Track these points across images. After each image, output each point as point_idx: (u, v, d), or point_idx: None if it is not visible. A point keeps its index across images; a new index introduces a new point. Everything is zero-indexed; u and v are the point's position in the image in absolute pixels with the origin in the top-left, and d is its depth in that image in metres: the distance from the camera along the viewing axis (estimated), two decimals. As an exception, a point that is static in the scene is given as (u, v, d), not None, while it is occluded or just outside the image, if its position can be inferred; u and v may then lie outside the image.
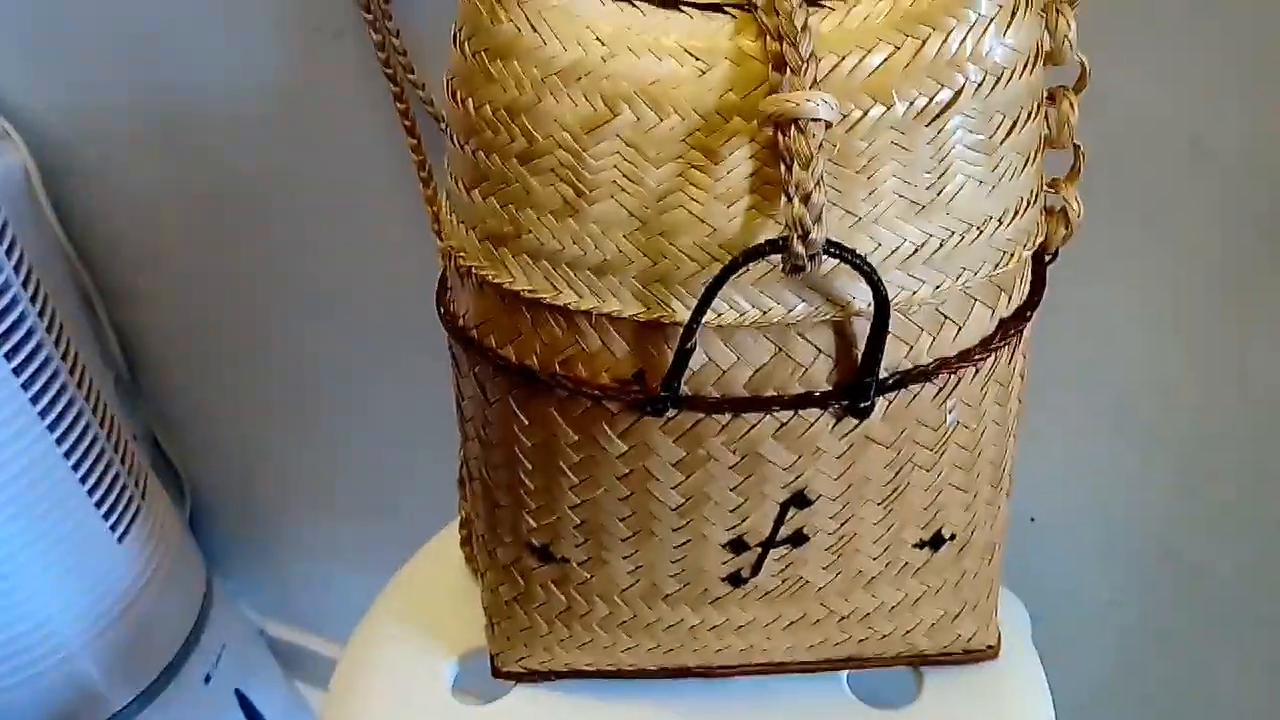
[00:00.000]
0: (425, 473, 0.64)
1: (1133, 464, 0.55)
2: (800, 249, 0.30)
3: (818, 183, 0.29)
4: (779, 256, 0.31)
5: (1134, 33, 0.43)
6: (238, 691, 0.82)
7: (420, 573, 0.56)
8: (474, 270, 0.36)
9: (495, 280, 0.36)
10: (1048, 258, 0.39)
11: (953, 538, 0.42)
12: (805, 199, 0.29)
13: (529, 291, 0.35)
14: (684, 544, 0.40)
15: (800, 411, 0.36)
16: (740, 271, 0.32)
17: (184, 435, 0.90)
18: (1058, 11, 0.34)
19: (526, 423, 0.38)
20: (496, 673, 0.48)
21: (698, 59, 0.32)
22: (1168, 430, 0.53)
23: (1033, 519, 0.59)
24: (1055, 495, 0.58)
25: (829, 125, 0.30)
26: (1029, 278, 0.38)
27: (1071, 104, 0.36)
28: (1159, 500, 0.55)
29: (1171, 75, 0.43)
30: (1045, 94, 0.36)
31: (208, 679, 0.79)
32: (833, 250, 0.30)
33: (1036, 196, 0.36)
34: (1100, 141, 0.38)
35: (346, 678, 0.51)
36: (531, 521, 0.41)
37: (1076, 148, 0.37)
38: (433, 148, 0.58)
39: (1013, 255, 0.35)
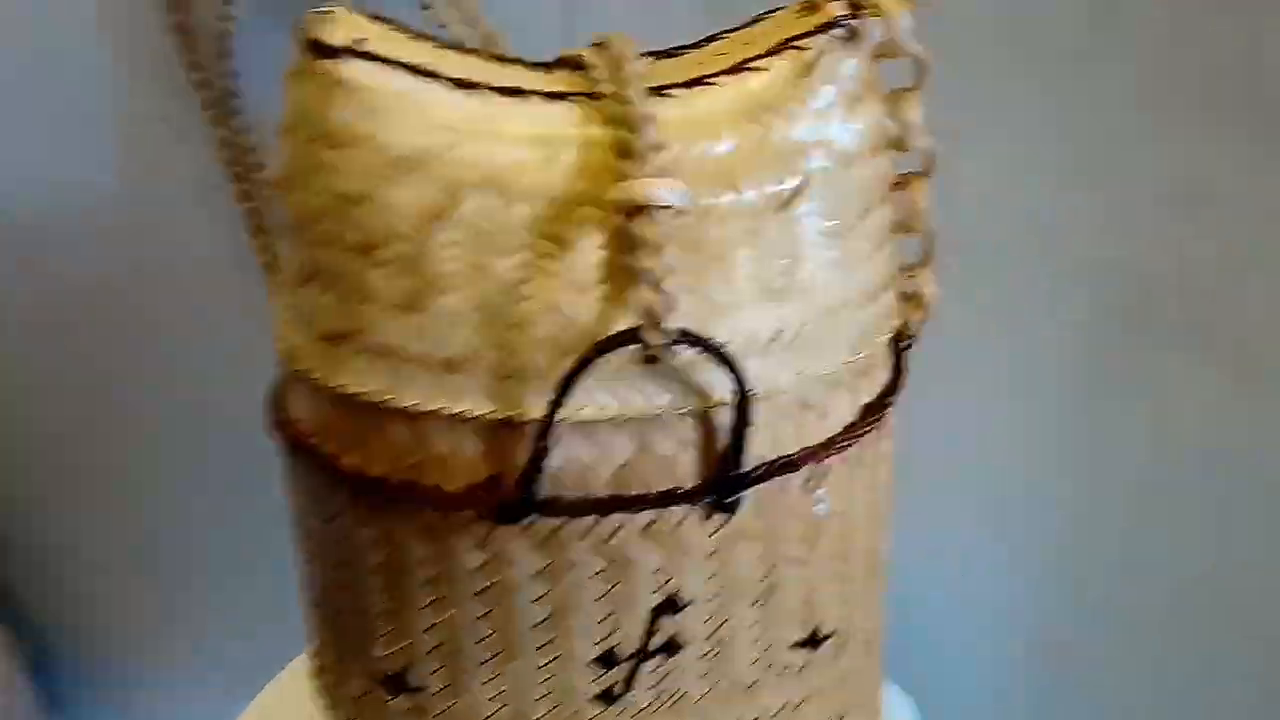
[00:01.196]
0: (286, 593, 0.59)
1: (1003, 555, 0.55)
2: (655, 338, 0.28)
3: (669, 270, 0.28)
4: (635, 346, 0.29)
5: (980, 121, 0.45)
6: None
7: (269, 708, 0.50)
8: (309, 374, 0.33)
9: (332, 384, 0.33)
10: (904, 344, 0.39)
11: (832, 634, 0.40)
12: (656, 287, 0.28)
13: (370, 394, 0.32)
14: (550, 662, 0.37)
15: (667, 510, 0.34)
16: (597, 362, 0.31)
17: (17, 566, 0.81)
18: (902, 100, 0.35)
19: (371, 541, 0.35)
20: (351, 820, 0.43)
21: (545, 146, 0.31)
22: (1037, 520, 0.53)
23: (911, 613, 0.58)
24: (933, 588, 0.57)
25: (678, 212, 0.29)
26: (890, 363, 0.38)
27: (921, 190, 0.37)
28: (1033, 592, 0.55)
29: (1021, 161, 0.45)
30: (895, 180, 0.36)
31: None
32: (688, 339, 0.29)
33: (891, 280, 0.36)
34: (952, 230, 0.38)
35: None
36: (381, 649, 0.38)
37: (927, 233, 0.38)
38: (281, 248, 0.56)
39: (871, 339, 0.35)
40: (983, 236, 0.47)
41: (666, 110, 0.31)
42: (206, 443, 0.67)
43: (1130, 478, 0.51)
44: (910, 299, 0.39)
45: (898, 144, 0.36)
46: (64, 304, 0.65)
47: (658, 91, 0.32)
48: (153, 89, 0.56)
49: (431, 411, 0.32)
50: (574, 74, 0.34)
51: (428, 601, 0.36)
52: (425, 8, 0.43)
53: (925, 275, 0.38)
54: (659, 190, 0.28)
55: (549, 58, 0.35)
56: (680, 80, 0.32)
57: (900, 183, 0.37)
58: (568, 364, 0.31)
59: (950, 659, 0.59)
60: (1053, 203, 0.46)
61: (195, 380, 0.65)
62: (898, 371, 0.38)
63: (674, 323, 0.28)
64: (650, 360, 0.29)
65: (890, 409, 0.37)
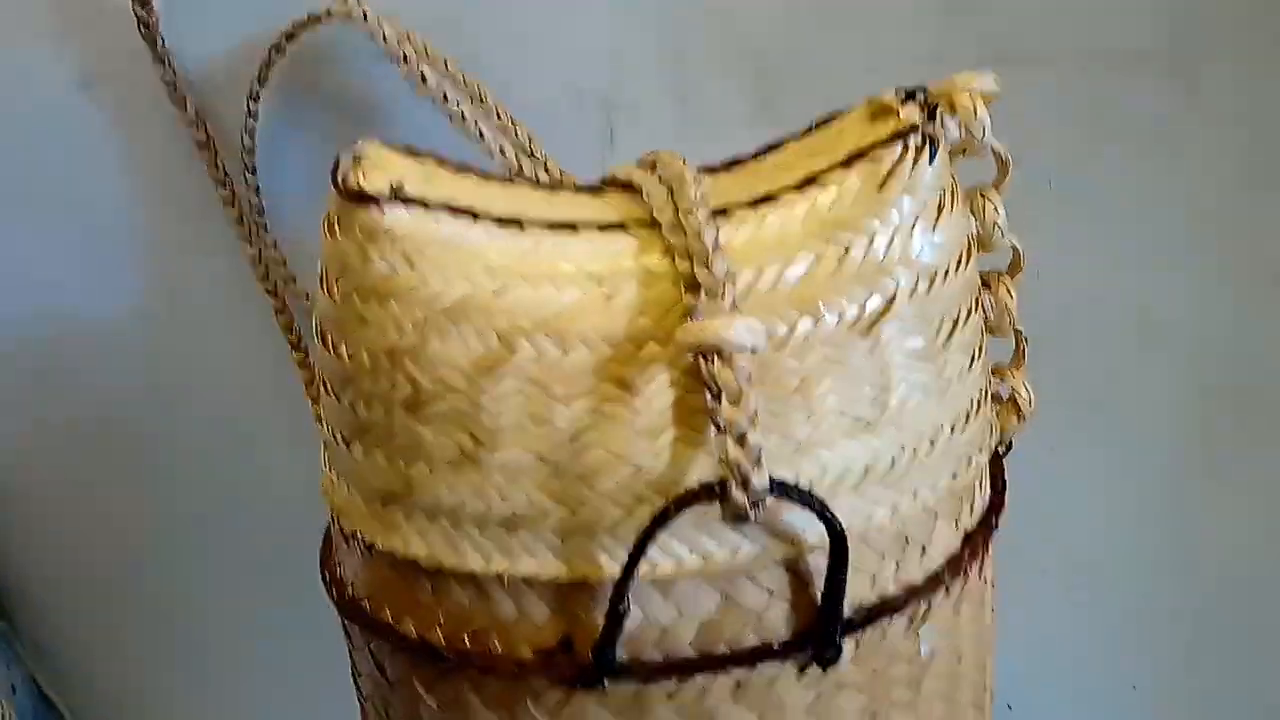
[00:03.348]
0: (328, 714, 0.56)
1: (1109, 649, 0.50)
2: (741, 497, 0.25)
3: (752, 419, 0.25)
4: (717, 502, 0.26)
5: (1071, 210, 0.42)
6: None
7: None
8: (360, 535, 0.31)
9: (386, 547, 0.30)
10: (1002, 452, 0.36)
11: (942, 777, 0.36)
12: (741, 441, 0.25)
13: (427, 559, 0.30)
14: (636, 834, 0.33)
15: (758, 667, 0.31)
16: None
17: (67, 682, 0.79)
18: (983, 198, 0.32)
19: (435, 707, 0.32)
20: None
21: (601, 284, 0.28)
22: (1142, 614, 0.49)
23: (1010, 707, 0.54)
24: (1031, 683, 0.53)
25: (755, 352, 0.26)
26: (988, 479, 0.34)
27: (1009, 289, 0.34)
28: (1139, 688, 0.51)
29: (1113, 248, 0.42)
30: (980, 281, 0.33)
31: None
32: (778, 489, 0.26)
33: (986, 393, 0.33)
34: (1042, 322, 0.35)
35: None
36: (452, 821, 0.34)
37: (1018, 333, 0.35)
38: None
39: (970, 461, 0.32)
40: (1078, 328, 0.43)
41: (731, 233, 0.29)
42: (239, 556, 0.65)
43: (1243, 579, 0.47)
44: (1005, 404, 0.35)
45: (982, 243, 0.33)
46: (93, 429, 0.63)
47: (719, 212, 0.29)
48: (181, 209, 0.55)
49: (495, 574, 0.29)
50: (626, 195, 0.32)
51: (500, 774, 0.33)
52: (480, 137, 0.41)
53: (1019, 378, 0.35)
54: (735, 331, 0.25)
55: (596, 180, 0.33)
56: (743, 199, 0.29)
57: (986, 282, 0.34)
58: (641, 514, 0.28)
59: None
60: (1151, 288, 0.42)
61: (231, 504, 0.63)
62: (999, 487, 0.35)
63: (762, 480, 0.25)
64: (736, 520, 0.26)
65: (994, 532, 0.34)
